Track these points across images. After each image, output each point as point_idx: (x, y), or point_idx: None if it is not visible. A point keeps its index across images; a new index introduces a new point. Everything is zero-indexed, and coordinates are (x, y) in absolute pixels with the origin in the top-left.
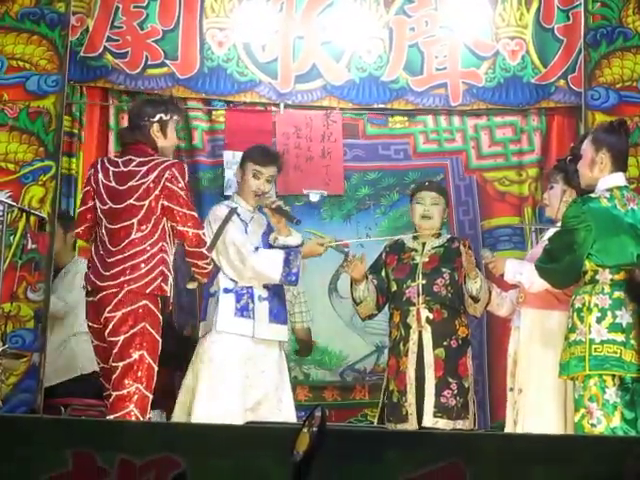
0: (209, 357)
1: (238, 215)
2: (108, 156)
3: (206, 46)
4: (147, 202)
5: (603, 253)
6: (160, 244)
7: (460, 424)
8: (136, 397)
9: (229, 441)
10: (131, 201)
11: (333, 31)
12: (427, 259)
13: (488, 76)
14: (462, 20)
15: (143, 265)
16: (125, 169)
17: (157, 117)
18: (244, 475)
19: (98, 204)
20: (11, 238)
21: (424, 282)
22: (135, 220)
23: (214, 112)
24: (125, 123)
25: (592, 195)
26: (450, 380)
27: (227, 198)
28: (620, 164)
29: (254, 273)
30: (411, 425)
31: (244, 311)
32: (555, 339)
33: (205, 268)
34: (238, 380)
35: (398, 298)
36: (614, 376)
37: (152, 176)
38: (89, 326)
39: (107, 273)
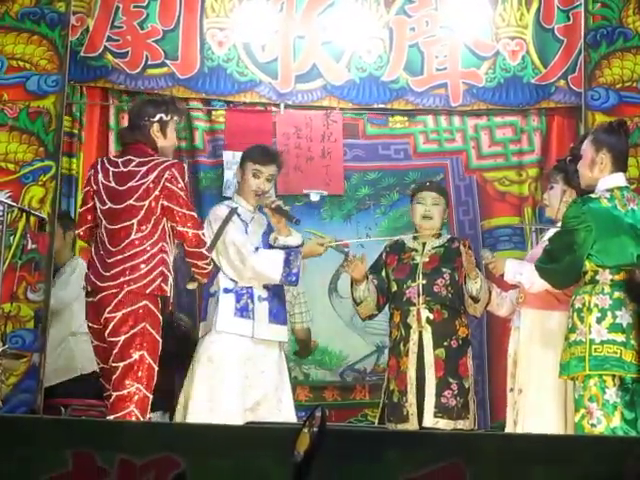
0: (208, 357)
1: (238, 215)
2: (108, 156)
3: (206, 46)
4: (147, 202)
5: (603, 253)
6: (160, 244)
7: (460, 424)
8: (136, 397)
9: (229, 441)
10: (131, 201)
11: (333, 31)
12: (427, 259)
13: (488, 76)
14: (462, 20)
15: (143, 265)
16: (125, 169)
17: (157, 117)
18: (244, 475)
19: (98, 204)
20: (11, 238)
21: (424, 282)
22: (135, 220)
23: (214, 112)
24: (125, 123)
25: (592, 195)
26: (450, 380)
27: (226, 199)
28: (620, 164)
29: (254, 273)
30: (412, 425)
31: (244, 311)
32: (555, 339)
33: (205, 268)
34: (238, 380)
35: (398, 298)
36: (614, 376)
37: (152, 176)
38: (89, 327)
39: (107, 274)
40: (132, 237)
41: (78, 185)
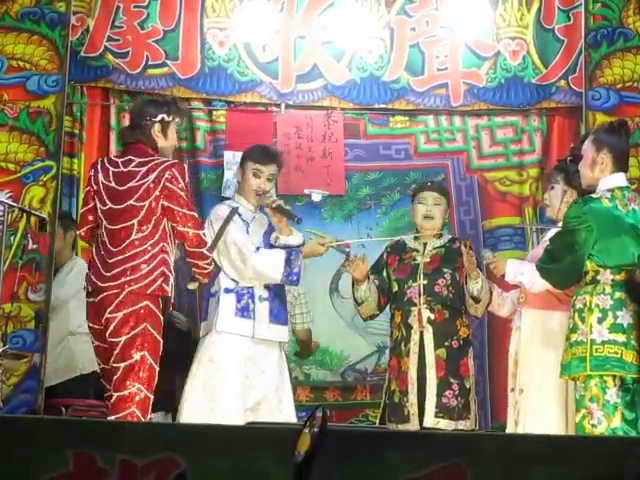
0: (209, 357)
1: (239, 215)
2: (108, 156)
3: (207, 46)
4: (147, 203)
5: (604, 253)
6: (161, 244)
7: (461, 424)
8: (137, 398)
9: (229, 441)
10: (131, 202)
11: (334, 31)
12: (428, 259)
13: (489, 76)
14: (463, 20)
15: (144, 266)
16: (125, 169)
17: (159, 117)
18: (244, 475)
19: (98, 205)
20: (12, 238)
21: (425, 282)
22: (135, 221)
23: (215, 112)
24: (126, 123)
25: (593, 195)
26: (451, 380)
27: (225, 199)
28: (621, 164)
29: (255, 273)
30: (413, 425)
31: (244, 311)
32: (556, 339)
33: (206, 268)
34: (238, 380)
35: (399, 298)
36: (615, 377)
37: (152, 176)
38: (90, 327)
39: (108, 274)
40: (133, 237)
41: (79, 185)
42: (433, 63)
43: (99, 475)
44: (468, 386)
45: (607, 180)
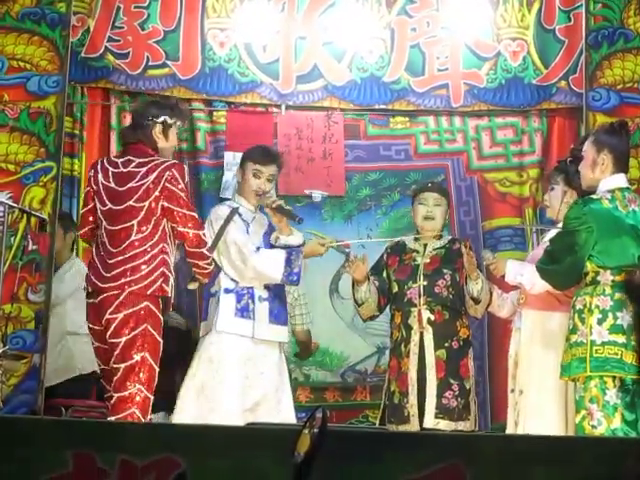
0: (209, 357)
1: (239, 215)
2: (108, 157)
3: (207, 46)
4: (147, 203)
5: (604, 254)
6: (161, 245)
7: (461, 425)
8: (138, 398)
9: (229, 442)
10: (131, 202)
11: (334, 31)
12: (428, 260)
13: (489, 77)
14: (463, 21)
15: (144, 267)
16: (124, 170)
17: (161, 119)
18: (244, 475)
19: (98, 205)
20: (12, 239)
21: (425, 283)
22: (135, 221)
23: (215, 113)
24: (127, 123)
25: (593, 196)
26: (451, 381)
27: (224, 200)
28: (621, 165)
29: (255, 273)
30: (413, 426)
31: (244, 311)
32: (556, 340)
33: (206, 268)
34: (237, 380)
35: (399, 299)
36: (615, 377)
37: (152, 177)
38: (90, 328)
39: (108, 275)
40: (132, 238)
41: (80, 186)
42: (433, 64)
43: (99, 475)
44: (468, 387)
45: (607, 181)
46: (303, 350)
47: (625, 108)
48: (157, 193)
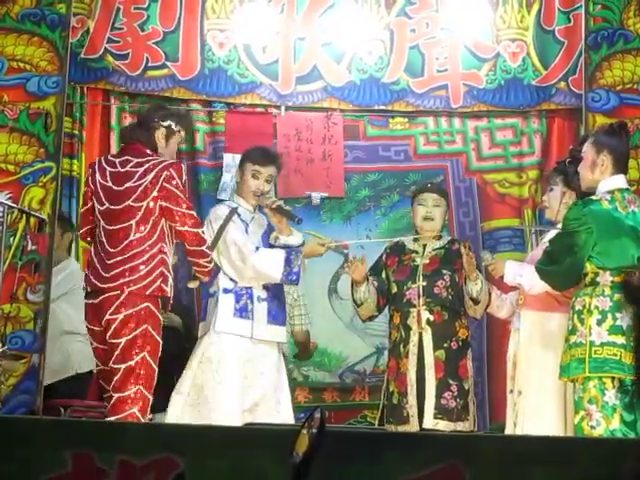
0: (208, 357)
1: (239, 215)
2: (106, 156)
3: (207, 47)
4: (145, 203)
5: (604, 255)
6: (159, 245)
7: (460, 426)
8: (138, 399)
9: (228, 442)
10: (129, 202)
11: (334, 32)
12: (428, 261)
13: (489, 78)
14: (463, 22)
15: (143, 267)
16: (122, 170)
17: (167, 123)
18: (242, 476)
19: (96, 205)
20: (11, 239)
21: (424, 284)
22: (133, 221)
23: (214, 114)
24: (127, 123)
25: (593, 197)
26: (450, 382)
27: (221, 201)
28: (621, 166)
29: (255, 272)
30: (412, 427)
31: (243, 312)
32: (555, 341)
33: (206, 266)
34: (237, 381)
35: (398, 300)
36: (614, 378)
37: (149, 177)
38: (88, 328)
39: (107, 275)
40: (131, 238)
41: (79, 186)
42: (433, 65)
43: (98, 475)
44: (467, 387)
45: (607, 182)
46: (302, 351)
47: (625, 109)
48: (155, 193)
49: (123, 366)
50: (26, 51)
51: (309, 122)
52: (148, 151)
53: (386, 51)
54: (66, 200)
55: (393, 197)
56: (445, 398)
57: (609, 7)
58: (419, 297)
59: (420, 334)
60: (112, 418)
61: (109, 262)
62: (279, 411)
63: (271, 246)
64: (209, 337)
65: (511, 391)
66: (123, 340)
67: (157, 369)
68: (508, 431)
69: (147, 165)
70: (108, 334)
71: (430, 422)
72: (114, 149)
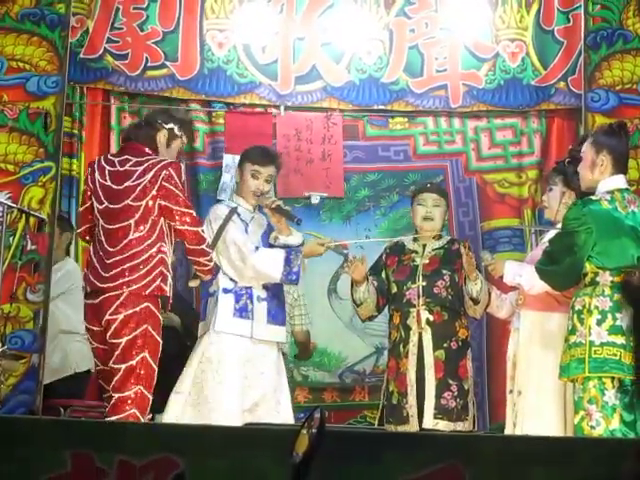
0: (207, 357)
1: (238, 215)
2: (105, 155)
3: (206, 47)
4: (144, 202)
5: (604, 255)
6: (158, 244)
7: (460, 426)
8: (138, 399)
9: (228, 442)
10: (128, 201)
11: (333, 32)
12: (427, 261)
13: (488, 78)
14: (462, 22)
15: (142, 267)
16: (121, 169)
17: (169, 125)
18: (242, 476)
19: (95, 204)
20: (10, 239)
21: (424, 284)
22: (132, 221)
23: (214, 114)
24: (127, 123)
25: (593, 197)
26: (450, 382)
27: (221, 201)
28: (620, 166)
29: (255, 272)
30: (412, 427)
31: (243, 312)
32: (555, 341)
33: (207, 265)
34: (237, 381)
35: (398, 300)
36: (613, 378)
37: (148, 176)
38: (88, 329)
39: (106, 274)
40: (130, 237)
41: (79, 186)
42: (432, 65)
43: (97, 475)
44: (467, 387)
45: (607, 182)
46: (302, 351)
47: (624, 109)
48: (154, 192)
49: (123, 366)
50: (26, 51)
51: (309, 122)
52: (147, 150)
53: (385, 51)
54: (65, 200)
55: (393, 197)
56: (445, 398)
57: (608, 7)
58: (419, 297)
59: (420, 334)
60: (112, 418)
61: (108, 262)
62: (279, 411)
63: (271, 246)
64: (209, 337)
65: (511, 391)
66: (123, 340)
67: (156, 368)
68: (508, 431)
69: (146, 164)
70: (108, 334)
71: (430, 422)
72: (114, 149)
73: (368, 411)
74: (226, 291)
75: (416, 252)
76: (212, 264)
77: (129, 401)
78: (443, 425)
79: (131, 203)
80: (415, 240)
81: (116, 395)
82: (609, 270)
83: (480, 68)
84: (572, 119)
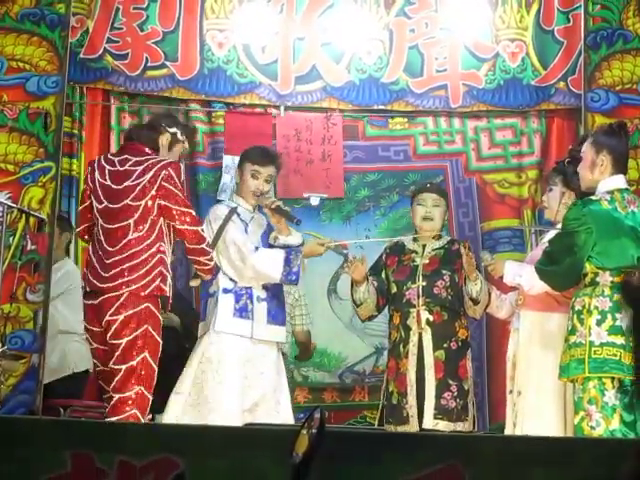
0: (207, 357)
1: (238, 215)
2: (105, 155)
3: (206, 47)
4: (143, 202)
5: (603, 255)
6: (157, 244)
7: (460, 426)
8: (138, 399)
9: (227, 442)
10: (127, 201)
11: (333, 32)
12: (427, 261)
13: (488, 78)
14: (462, 22)
15: (142, 267)
16: (121, 168)
17: (173, 129)
18: (242, 476)
19: (94, 203)
20: (10, 239)
21: (424, 284)
22: (132, 221)
23: (214, 114)
24: (127, 123)
25: (592, 197)
26: (450, 382)
27: (221, 201)
28: (620, 166)
29: (255, 272)
30: (412, 427)
31: (243, 312)
32: (555, 341)
33: (207, 264)
34: (237, 381)
35: (398, 300)
36: (613, 379)
37: (148, 176)
38: (87, 329)
39: (106, 275)
40: (129, 237)
41: (79, 186)
42: (432, 65)
43: (97, 476)
44: (467, 388)
45: (606, 182)
46: (302, 351)
47: (624, 109)
48: (154, 192)
49: (124, 367)
50: (25, 51)
51: (308, 122)
52: (147, 150)
53: (385, 51)
54: (65, 200)
55: (392, 197)
56: (445, 398)
57: (608, 7)
58: (419, 297)
59: (420, 334)
60: (112, 419)
61: (108, 261)
62: (279, 411)
63: (270, 246)
64: (209, 337)
65: (510, 391)
66: (124, 341)
67: (157, 369)
68: (508, 431)
69: (146, 164)
70: (108, 335)
71: (430, 422)
72: (114, 149)
73: (368, 411)
74: (226, 291)
75: (416, 252)
76: (212, 263)
77: (129, 401)
78: (443, 425)
79: (130, 203)
80: (415, 240)
81: (116, 396)
82: (609, 270)
83: (480, 68)
84: (572, 119)
